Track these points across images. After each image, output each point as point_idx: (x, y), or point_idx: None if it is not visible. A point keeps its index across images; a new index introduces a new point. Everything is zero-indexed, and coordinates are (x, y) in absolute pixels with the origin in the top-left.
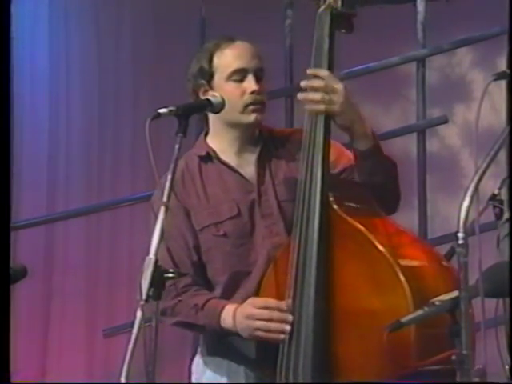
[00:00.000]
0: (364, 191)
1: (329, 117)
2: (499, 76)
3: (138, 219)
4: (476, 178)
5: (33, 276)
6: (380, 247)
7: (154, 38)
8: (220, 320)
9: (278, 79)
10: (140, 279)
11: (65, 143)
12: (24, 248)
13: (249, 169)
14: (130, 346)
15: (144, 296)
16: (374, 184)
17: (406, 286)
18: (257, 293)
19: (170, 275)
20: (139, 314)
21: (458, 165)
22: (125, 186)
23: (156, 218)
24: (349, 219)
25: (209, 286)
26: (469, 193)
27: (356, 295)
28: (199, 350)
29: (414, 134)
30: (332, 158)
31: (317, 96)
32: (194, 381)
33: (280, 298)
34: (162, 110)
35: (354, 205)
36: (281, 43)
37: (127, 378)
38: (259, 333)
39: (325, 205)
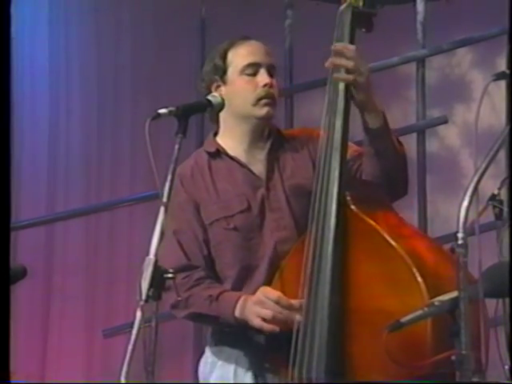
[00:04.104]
0: (378, 189)
1: (350, 92)
2: (499, 76)
3: (137, 219)
4: (476, 178)
5: (32, 276)
6: (396, 247)
7: (154, 39)
8: (235, 310)
9: (278, 79)
10: (140, 279)
11: (64, 143)
12: (24, 248)
13: (258, 165)
14: (130, 347)
15: (144, 296)
16: (384, 168)
17: (423, 286)
18: (266, 286)
19: (170, 275)
20: (139, 314)
21: (458, 165)
22: (124, 186)
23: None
24: (365, 218)
25: (218, 280)
26: (468, 193)
27: (371, 295)
28: (208, 341)
29: (414, 135)
30: None
31: (350, 63)
32: (204, 372)
33: (291, 293)
34: (161, 111)
35: (369, 204)
36: (281, 43)
37: (127, 378)
38: (257, 320)
39: (341, 203)
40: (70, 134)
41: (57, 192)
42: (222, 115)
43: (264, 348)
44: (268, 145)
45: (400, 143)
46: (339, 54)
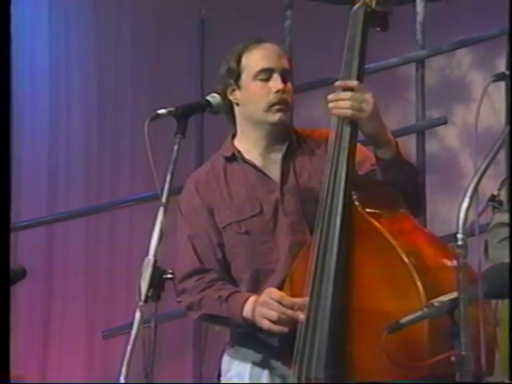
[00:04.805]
0: (390, 190)
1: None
2: (498, 77)
3: (137, 220)
4: (475, 178)
5: (33, 277)
6: (399, 250)
7: (154, 39)
8: (243, 311)
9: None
10: (139, 280)
11: (65, 144)
12: (24, 249)
13: (273, 168)
14: (129, 347)
15: (143, 297)
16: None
17: (421, 290)
18: (280, 290)
19: (169, 276)
20: (138, 314)
21: (458, 166)
22: (124, 186)
23: (183, 217)
24: (370, 219)
25: (233, 283)
26: (468, 194)
27: (373, 296)
28: (228, 342)
29: (414, 135)
30: (357, 159)
31: (346, 103)
32: (223, 369)
33: (301, 295)
34: (160, 111)
35: (377, 205)
36: (280, 44)
37: (126, 378)
38: (265, 322)
39: (347, 204)
40: (70, 134)
41: (57, 192)
42: (238, 119)
43: (277, 347)
44: (284, 147)
45: (414, 168)
46: (335, 98)
